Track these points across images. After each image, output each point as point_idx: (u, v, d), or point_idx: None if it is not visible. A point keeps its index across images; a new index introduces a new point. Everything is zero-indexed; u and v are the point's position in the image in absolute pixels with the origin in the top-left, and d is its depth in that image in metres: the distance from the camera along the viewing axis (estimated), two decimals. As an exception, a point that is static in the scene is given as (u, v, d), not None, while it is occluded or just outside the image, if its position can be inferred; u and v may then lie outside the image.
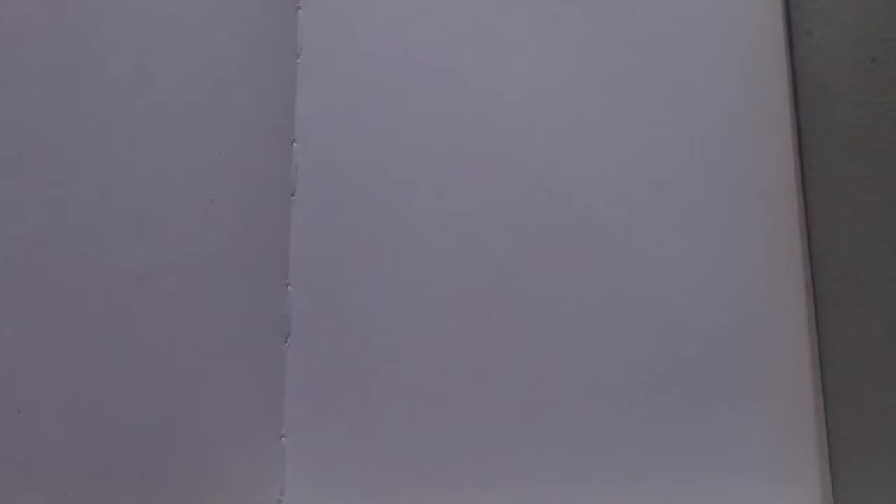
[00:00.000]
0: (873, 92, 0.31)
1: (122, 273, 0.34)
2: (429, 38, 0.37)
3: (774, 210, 0.33)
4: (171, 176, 0.35)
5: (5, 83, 0.35)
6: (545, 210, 0.35)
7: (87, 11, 0.37)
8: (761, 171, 0.32)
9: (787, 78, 0.33)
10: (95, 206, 0.35)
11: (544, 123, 0.36)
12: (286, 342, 0.35)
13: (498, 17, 0.37)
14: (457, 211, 0.35)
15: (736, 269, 0.33)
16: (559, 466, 0.33)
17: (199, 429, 0.33)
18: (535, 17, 0.37)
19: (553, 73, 0.36)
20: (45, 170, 0.35)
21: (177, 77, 0.36)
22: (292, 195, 0.36)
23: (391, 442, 0.33)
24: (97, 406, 0.33)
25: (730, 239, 0.34)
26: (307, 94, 0.37)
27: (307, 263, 0.35)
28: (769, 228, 0.33)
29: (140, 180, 0.35)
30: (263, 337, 0.34)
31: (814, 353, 0.33)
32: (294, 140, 0.36)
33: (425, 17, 0.37)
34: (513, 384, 0.33)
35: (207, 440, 0.33)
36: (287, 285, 0.35)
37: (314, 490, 0.33)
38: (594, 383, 0.33)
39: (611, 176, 0.35)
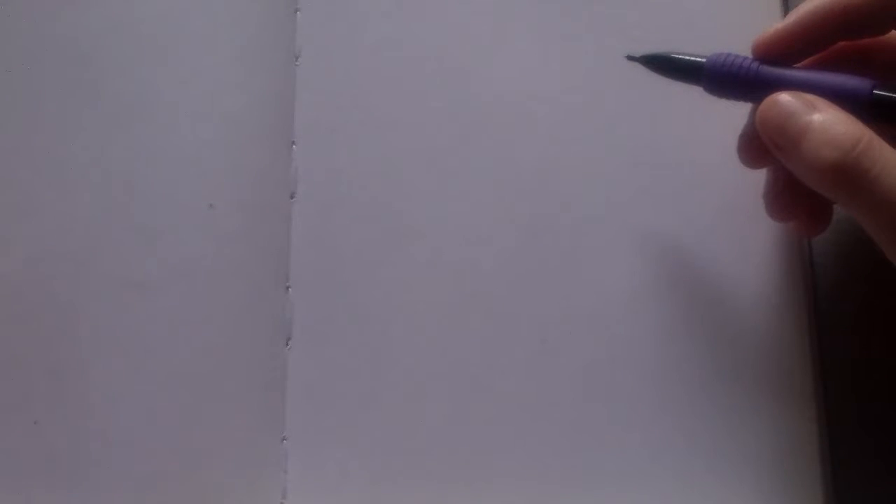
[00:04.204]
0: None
1: (123, 281, 0.34)
2: (429, 40, 0.37)
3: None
4: (171, 182, 0.35)
5: (8, 97, 0.36)
6: (547, 210, 0.35)
7: (86, 17, 0.37)
8: (763, 171, 0.32)
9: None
10: (97, 217, 0.35)
11: (546, 123, 0.36)
12: (287, 344, 0.35)
13: (499, 18, 0.37)
14: (458, 212, 0.35)
15: (736, 269, 0.33)
16: (559, 466, 0.33)
17: (200, 432, 0.33)
18: (536, 18, 0.37)
19: (555, 74, 0.36)
20: (47, 181, 0.35)
21: (175, 83, 0.36)
22: (292, 197, 0.36)
23: (394, 444, 0.33)
24: (103, 413, 0.33)
25: (730, 238, 0.34)
26: (306, 97, 0.37)
27: (308, 265, 0.35)
28: (769, 227, 0.33)
29: (140, 188, 0.35)
30: (264, 339, 0.35)
31: (814, 353, 0.33)
32: (293, 142, 0.36)
33: (425, 19, 0.37)
34: (515, 384, 0.33)
35: (208, 443, 0.33)
36: (287, 287, 0.35)
37: (316, 493, 0.34)
38: (594, 383, 0.33)
39: (612, 175, 0.35)
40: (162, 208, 0.35)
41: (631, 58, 0.31)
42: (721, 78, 0.29)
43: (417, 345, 0.34)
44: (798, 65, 0.29)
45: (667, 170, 0.34)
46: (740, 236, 0.34)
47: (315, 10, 0.38)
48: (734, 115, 0.31)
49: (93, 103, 0.36)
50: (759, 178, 0.32)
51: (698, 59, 0.29)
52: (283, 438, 0.34)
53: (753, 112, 0.29)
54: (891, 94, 0.26)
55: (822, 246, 0.34)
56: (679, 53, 0.30)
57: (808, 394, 0.32)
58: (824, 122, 0.25)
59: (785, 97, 0.26)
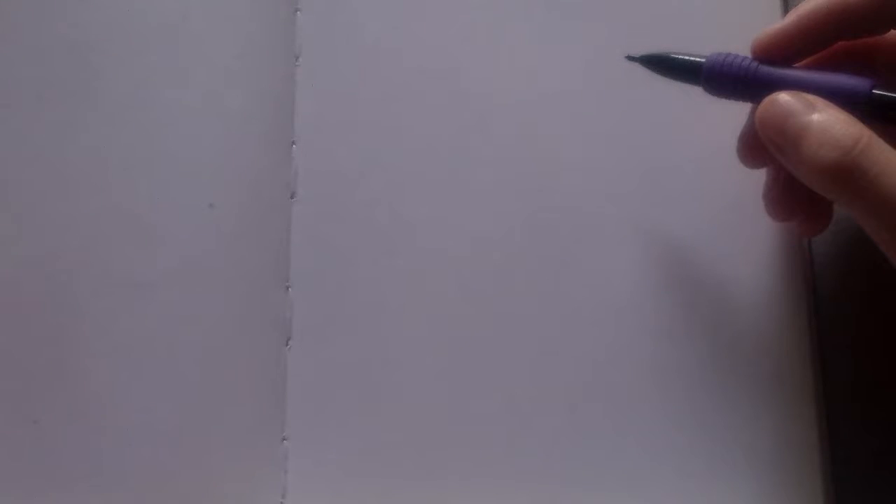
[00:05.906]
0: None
1: (123, 281, 0.34)
2: (429, 40, 0.37)
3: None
4: (171, 183, 0.35)
5: (8, 97, 0.36)
6: (547, 209, 0.35)
7: (86, 17, 0.37)
8: (763, 171, 0.32)
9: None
10: (97, 217, 0.35)
11: (546, 124, 0.36)
12: (287, 344, 0.35)
13: (498, 18, 0.37)
14: (458, 211, 0.35)
15: (736, 269, 0.33)
16: (559, 466, 0.33)
17: (200, 432, 0.33)
18: (536, 18, 0.37)
19: (554, 73, 0.36)
20: (47, 181, 0.35)
21: (175, 83, 0.36)
22: (292, 197, 0.36)
23: (394, 444, 0.33)
24: (103, 413, 0.33)
25: (730, 238, 0.34)
26: (306, 97, 0.37)
27: (308, 265, 0.35)
28: (769, 227, 0.33)
29: (140, 188, 0.35)
30: (264, 339, 0.35)
31: (814, 353, 0.33)
32: (294, 142, 0.36)
33: (425, 19, 0.37)
34: (515, 385, 0.33)
35: (208, 443, 0.33)
36: (287, 287, 0.35)
37: (316, 493, 0.34)
38: (595, 383, 0.33)
39: (612, 175, 0.35)
40: (162, 208, 0.35)
41: (630, 58, 0.31)
42: (720, 78, 0.29)
43: (417, 344, 0.34)
44: (797, 65, 0.29)
45: (667, 170, 0.34)
46: (740, 236, 0.34)
47: (315, 10, 0.38)
48: (734, 115, 0.31)
49: (93, 103, 0.36)
50: (759, 178, 0.32)
51: (697, 59, 0.29)
52: (283, 438, 0.34)
53: (753, 112, 0.29)
54: (890, 94, 0.26)
55: (822, 246, 0.34)
56: (678, 53, 0.30)
57: (808, 394, 0.32)
58: (824, 121, 0.25)
59: (784, 97, 0.26)
